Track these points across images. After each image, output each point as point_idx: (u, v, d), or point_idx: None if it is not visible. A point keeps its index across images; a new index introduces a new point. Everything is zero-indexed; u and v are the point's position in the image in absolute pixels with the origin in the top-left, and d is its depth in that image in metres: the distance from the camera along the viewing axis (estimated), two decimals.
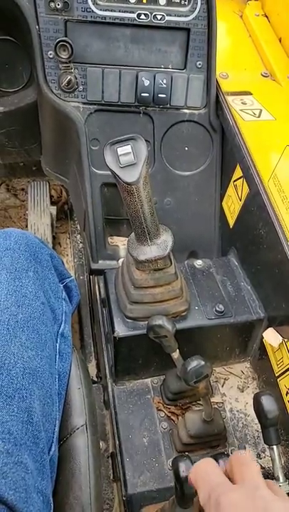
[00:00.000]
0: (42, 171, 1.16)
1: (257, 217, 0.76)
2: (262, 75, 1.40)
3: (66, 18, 0.79)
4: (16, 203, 1.44)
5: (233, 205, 0.89)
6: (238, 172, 0.85)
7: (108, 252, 0.97)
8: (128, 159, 0.60)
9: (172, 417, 0.78)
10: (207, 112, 0.90)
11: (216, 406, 0.80)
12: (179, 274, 0.74)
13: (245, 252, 0.86)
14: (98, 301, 0.97)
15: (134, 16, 0.80)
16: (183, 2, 0.81)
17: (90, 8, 0.79)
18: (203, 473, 0.40)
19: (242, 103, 1.18)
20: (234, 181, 0.88)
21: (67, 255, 1.34)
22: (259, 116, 1.13)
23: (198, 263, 0.86)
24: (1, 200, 1.45)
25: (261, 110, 1.15)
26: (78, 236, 1.38)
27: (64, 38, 0.80)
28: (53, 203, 1.38)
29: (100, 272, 0.93)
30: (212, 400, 0.79)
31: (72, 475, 0.58)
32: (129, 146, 0.61)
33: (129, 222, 0.67)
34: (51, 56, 0.82)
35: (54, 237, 1.34)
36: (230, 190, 0.90)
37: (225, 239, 0.96)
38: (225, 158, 0.93)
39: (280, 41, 1.48)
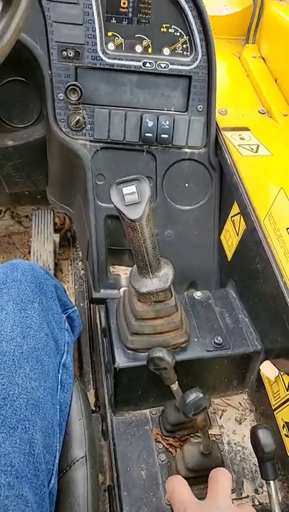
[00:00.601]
0: (46, 200, 1.20)
1: (254, 253, 0.79)
2: (259, 112, 1.47)
3: (77, 64, 0.85)
4: (20, 230, 1.48)
5: (230, 239, 0.93)
6: (235, 208, 0.89)
7: (110, 281, 1.00)
8: (133, 198, 0.64)
9: (170, 449, 0.79)
10: (207, 152, 0.95)
11: (213, 438, 0.81)
12: (179, 305, 0.76)
13: (242, 285, 0.89)
14: (98, 330, 0.99)
15: (140, 64, 0.86)
16: (185, 53, 0.87)
17: (100, 57, 0.84)
18: (176, 489, 0.46)
19: (240, 138, 1.24)
20: (232, 217, 0.92)
21: (68, 282, 1.37)
22: (256, 152, 1.18)
23: (198, 294, 0.89)
24: (5, 227, 1.49)
25: (258, 146, 1.20)
26: (80, 263, 1.41)
27: (74, 83, 0.85)
28: (56, 230, 1.42)
29: (101, 301, 0.95)
30: (210, 431, 0.80)
31: (71, 509, 0.58)
32: (134, 186, 0.65)
33: (130, 252, 0.70)
34: (61, 98, 0.87)
35: (56, 264, 1.37)
36: (228, 224, 0.94)
37: (223, 271, 0.99)
38: (223, 194, 0.97)
39: (275, 81, 1.55)
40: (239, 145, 1.19)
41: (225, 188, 0.96)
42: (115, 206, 0.64)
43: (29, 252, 1.34)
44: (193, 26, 0.85)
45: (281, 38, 1.54)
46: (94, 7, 0.82)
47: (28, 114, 1.03)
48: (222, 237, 0.97)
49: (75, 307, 0.79)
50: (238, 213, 0.87)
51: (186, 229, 0.98)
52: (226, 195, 0.95)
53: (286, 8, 1.63)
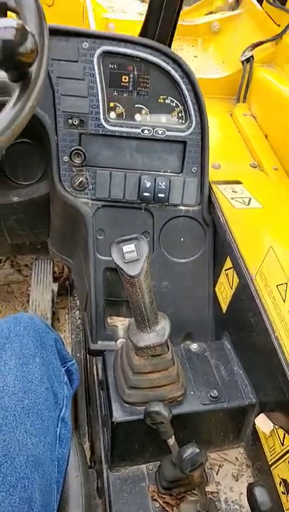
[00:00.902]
0: (46, 249, 1.24)
1: (247, 306, 0.83)
2: (251, 165, 1.56)
3: (81, 131, 0.92)
4: (19, 279, 1.51)
5: (225, 291, 0.96)
6: (228, 263, 0.93)
7: (107, 332, 1.02)
8: (132, 256, 0.69)
9: (167, 508, 0.78)
10: (201, 209, 1.01)
11: (210, 496, 0.80)
12: (175, 359, 0.78)
13: (237, 337, 0.91)
14: (95, 382, 1.00)
15: (139, 131, 0.94)
16: (180, 121, 0.96)
17: (102, 125, 0.92)
18: None
19: (233, 191, 1.31)
20: (225, 270, 0.96)
21: (65, 331, 1.38)
22: (248, 204, 1.25)
23: (194, 347, 0.91)
24: (4, 276, 1.52)
25: (250, 198, 1.27)
26: (77, 312, 1.43)
27: (78, 147, 0.92)
28: (55, 279, 1.45)
29: (99, 353, 0.97)
30: (207, 488, 0.79)
31: None
32: (133, 244, 0.70)
33: (128, 303, 0.73)
34: (66, 161, 0.94)
35: (53, 313, 1.39)
36: (223, 277, 0.98)
37: (218, 322, 1.02)
38: (217, 248, 1.02)
39: (266, 137, 1.66)
40: (232, 198, 1.26)
41: (218, 243, 1.01)
42: (115, 263, 0.69)
43: (28, 301, 1.36)
44: (188, 98, 0.94)
45: (269, 98, 1.67)
46: (98, 82, 0.90)
47: (33, 173, 1.09)
48: (217, 289, 1.01)
49: (74, 360, 0.81)
50: (231, 267, 0.91)
51: (181, 281, 1.02)
52: (220, 249, 1.00)
53: (272, 72, 1.78)
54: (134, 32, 2.25)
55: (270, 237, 0.96)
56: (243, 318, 0.85)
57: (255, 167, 1.55)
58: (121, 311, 1.06)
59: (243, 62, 1.79)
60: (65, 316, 1.43)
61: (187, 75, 0.92)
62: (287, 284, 0.72)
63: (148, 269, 0.69)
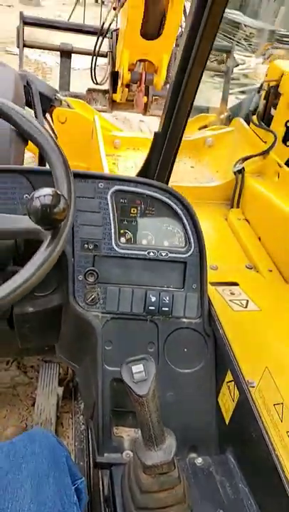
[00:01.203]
0: (53, 350, 1.30)
1: (248, 421, 0.87)
2: (246, 267, 1.68)
3: (95, 254, 1.05)
4: (25, 381, 1.54)
5: (227, 403, 1.01)
6: (229, 375, 0.99)
7: (113, 443, 1.04)
8: (140, 376, 0.76)
9: None
10: (202, 322, 1.09)
11: None
12: (182, 477, 0.81)
13: (241, 451, 0.94)
14: (101, 497, 0.99)
15: (145, 253, 1.07)
16: (181, 245, 1.09)
17: (114, 248, 1.05)
18: None
19: (230, 293, 1.40)
20: (227, 382, 1.01)
21: (68, 437, 1.38)
22: (246, 307, 1.34)
23: (199, 461, 0.93)
24: (11, 378, 1.55)
25: (248, 301, 1.36)
26: (81, 417, 1.44)
27: (92, 268, 1.04)
28: (60, 381, 1.48)
29: (104, 466, 0.98)
30: None
31: None
32: (142, 364, 0.77)
33: (134, 413, 0.78)
34: (80, 279, 1.05)
35: (57, 417, 1.40)
36: (225, 389, 1.03)
37: (222, 434, 1.05)
38: (218, 360, 1.09)
39: (259, 240, 1.81)
40: (230, 300, 1.35)
41: (219, 353, 1.08)
42: (125, 383, 0.75)
43: (33, 405, 1.38)
44: (187, 226, 1.09)
45: (260, 205, 1.86)
46: (110, 214, 1.05)
47: (48, 285, 1.20)
48: (219, 400, 1.05)
49: (83, 478, 0.83)
50: (232, 380, 0.97)
51: (185, 391, 1.07)
52: (221, 360, 1.07)
53: (262, 182, 1.99)
54: (135, 146, 2.55)
55: (268, 352, 1.03)
56: (245, 432, 0.89)
57: (250, 268, 1.68)
58: (127, 421, 1.09)
59: (235, 172, 2.02)
60: (68, 420, 1.43)
61: (186, 208, 1.08)
62: (283, 404, 0.78)
63: (155, 388, 0.75)
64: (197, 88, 1.10)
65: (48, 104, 2.45)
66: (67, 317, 1.16)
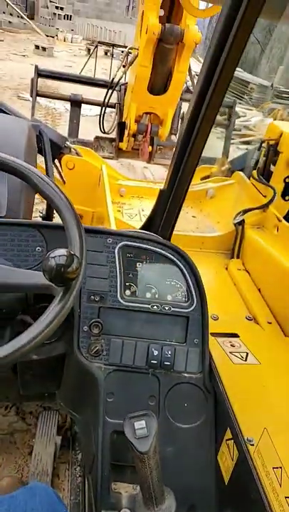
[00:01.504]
0: (53, 397, 1.30)
1: (247, 483, 0.87)
2: (246, 318, 1.71)
3: (100, 305, 1.09)
4: (23, 427, 1.53)
5: (226, 462, 1.01)
6: (229, 433, 1.00)
7: (111, 499, 1.02)
8: (142, 432, 0.78)
9: None
10: (202, 377, 1.11)
11: None
12: None
13: None
14: None
15: (149, 306, 1.10)
16: (183, 299, 1.13)
17: (119, 301, 1.09)
18: None
19: (231, 345, 1.42)
20: (227, 440, 1.02)
21: (64, 490, 1.36)
22: (246, 360, 1.35)
23: None
24: (8, 424, 1.54)
25: (248, 354, 1.37)
26: (78, 468, 1.42)
27: (97, 319, 1.07)
28: (58, 429, 1.47)
29: None
30: None
31: None
32: (144, 421, 0.79)
33: (133, 468, 0.79)
34: (85, 330, 1.08)
35: (54, 467, 1.38)
36: (224, 447, 1.03)
37: (221, 494, 1.04)
38: (218, 416, 1.09)
39: (259, 291, 1.85)
40: (230, 352, 1.37)
41: (219, 410, 1.09)
42: (127, 438, 0.77)
43: (30, 453, 1.37)
44: (190, 282, 1.13)
45: (260, 257, 1.91)
46: (117, 267, 1.10)
47: (53, 334, 1.22)
48: (219, 458, 1.05)
49: None
50: (231, 439, 0.98)
51: (185, 447, 1.07)
52: (221, 416, 1.08)
53: (262, 234, 2.05)
54: (140, 194, 2.64)
55: (267, 409, 1.04)
56: (244, 495, 0.88)
57: (250, 320, 1.70)
58: (126, 477, 1.08)
59: (235, 224, 2.09)
60: (65, 472, 1.41)
61: (189, 264, 1.13)
62: (282, 468, 0.79)
63: (156, 444, 0.77)
64: (202, 149, 1.17)
65: (57, 151, 2.58)
66: (69, 366, 1.18)
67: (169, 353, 1.09)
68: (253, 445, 0.92)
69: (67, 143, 2.68)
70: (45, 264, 0.77)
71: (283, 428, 0.96)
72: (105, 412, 1.07)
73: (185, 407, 1.10)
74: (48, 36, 14.60)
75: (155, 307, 1.11)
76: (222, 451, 1.04)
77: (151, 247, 1.12)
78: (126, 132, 2.98)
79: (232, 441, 0.97)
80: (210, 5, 1.84)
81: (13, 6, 14.63)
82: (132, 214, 2.33)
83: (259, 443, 0.88)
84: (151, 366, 1.09)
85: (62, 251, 0.76)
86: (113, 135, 3.25)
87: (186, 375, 1.11)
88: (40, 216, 1.87)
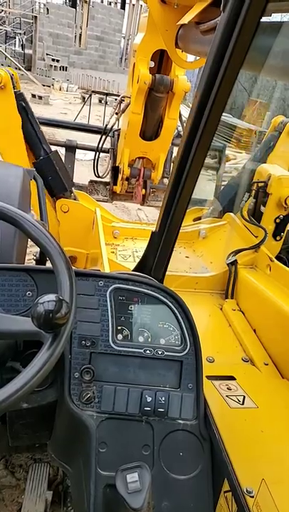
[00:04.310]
0: (44, 448, 1.24)
1: None
2: (242, 360, 1.68)
3: (92, 351, 1.07)
4: (12, 483, 1.45)
5: None
6: (226, 485, 0.96)
7: None
8: (135, 486, 0.74)
9: None
10: (198, 424, 1.07)
11: None
12: None
13: None
14: None
15: (142, 350, 1.08)
16: (177, 343, 1.11)
17: (110, 345, 1.07)
18: None
19: (227, 388, 1.39)
20: (225, 492, 0.97)
21: None
22: (243, 404, 1.31)
23: None
24: None
25: (244, 397, 1.33)
26: None
27: (88, 366, 1.05)
28: (49, 484, 1.39)
29: None
30: None
31: None
32: (136, 473, 0.76)
33: None
34: (76, 377, 1.05)
35: None
36: (222, 499, 0.98)
37: None
38: (215, 465, 1.05)
39: (254, 331, 1.83)
40: (227, 396, 1.33)
41: (216, 459, 1.05)
42: (120, 494, 0.73)
43: (18, 511, 1.29)
44: (183, 325, 1.12)
45: (254, 297, 1.91)
46: (109, 311, 1.09)
47: (44, 381, 1.19)
48: None
49: None
50: (229, 491, 0.93)
51: (181, 500, 1.02)
52: (218, 466, 1.03)
53: (255, 274, 2.06)
54: (134, 235, 2.67)
55: (265, 457, 1.00)
56: None
57: (247, 361, 1.67)
58: None
59: (228, 264, 2.10)
60: None
61: (182, 307, 1.12)
62: None
63: (150, 499, 0.73)
64: (192, 191, 1.20)
65: (61, 192, 2.63)
66: (61, 414, 1.14)
67: (163, 399, 1.06)
68: (252, 497, 0.87)
69: (74, 189, 2.74)
70: (34, 310, 0.76)
71: (281, 477, 0.92)
72: (97, 464, 1.02)
73: (180, 457, 1.05)
74: (44, 86, 15.31)
75: (148, 351, 1.09)
76: (220, 504, 0.99)
77: (144, 290, 1.12)
78: (120, 176, 3.06)
79: (230, 493, 0.93)
80: (197, 57, 1.95)
81: (11, 59, 15.43)
82: (125, 255, 2.34)
83: (258, 495, 0.84)
84: (145, 413, 1.05)
85: (52, 296, 0.75)
86: (107, 179, 3.33)
87: (180, 421, 1.07)
88: (34, 259, 1.87)
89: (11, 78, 2.22)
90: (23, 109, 2.35)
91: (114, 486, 0.99)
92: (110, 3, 25.57)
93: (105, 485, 1.01)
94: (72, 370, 1.05)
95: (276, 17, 0.96)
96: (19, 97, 2.31)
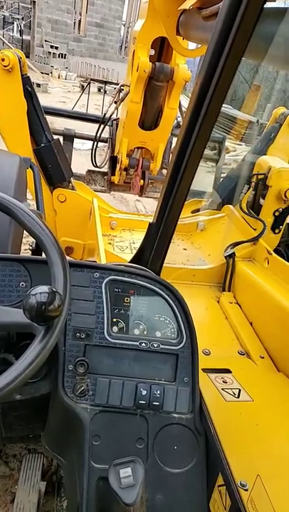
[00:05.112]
0: (38, 439, 1.23)
1: None
2: (239, 353, 1.67)
3: (86, 343, 1.05)
4: (6, 473, 1.45)
5: (219, 510, 0.95)
6: (221, 479, 0.95)
7: None
8: (128, 481, 0.73)
9: None
10: (193, 418, 1.07)
11: None
12: None
13: None
14: None
15: (137, 343, 1.07)
16: (173, 336, 1.10)
17: (105, 337, 1.06)
18: None
19: (223, 381, 1.38)
20: (219, 486, 0.97)
21: None
22: (238, 397, 1.31)
23: None
24: None
25: (240, 390, 1.33)
26: None
27: (83, 358, 1.04)
28: (43, 474, 1.39)
29: None
30: None
31: None
32: (130, 468, 0.75)
33: None
34: (71, 369, 1.04)
35: None
36: (216, 494, 0.98)
37: None
38: (209, 459, 1.04)
39: (251, 324, 1.82)
40: (222, 389, 1.33)
41: (211, 454, 1.04)
42: (112, 489, 0.72)
43: (12, 501, 1.29)
44: (179, 317, 1.10)
45: (251, 290, 1.89)
46: (104, 303, 1.08)
47: (38, 373, 1.17)
48: (211, 506, 0.99)
49: None
50: (224, 485, 0.93)
51: (175, 494, 1.01)
52: (212, 461, 1.03)
53: (253, 266, 2.05)
54: (131, 226, 2.65)
55: (260, 452, 1.00)
56: None
57: (243, 354, 1.67)
58: None
59: (226, 257, 2.09)
60: None
61: (178, 299, 1.11)
62: None
63: (143, 494, 0.72)
64: (191, 182, 1.18)
65: (60, 181, 2.60)
66: (54, 406, 1.13)
67: (158, 392, 1.05)
68: (246, 490, 0.87)
69: (72, 179, 2.71)
70: (26, 302, 0.74)
71: (276, 472, 0.92)
72: (91, 457, 1.01)
73: (175, 450, 1.04)
74: (42, 73, 15.10)
75: (143, 344, 1.07)
76: (214, 499, 0.98)
77: (140, 282, 1.10)
78: (118, 166, 3.03)
79: (224, 487, 0.92)
80: (198, 45, 1.91)
81: (9, 44, 15.20)
82: (122, 247, 2.32)
83: (252, 490, 0.83)
84: (140, 407, 1.04)
85: (44, 288, 0.74)
86: (105, 169, 3.29)
87: (175, 415, 1.06)
88: (30, 249, 1.85)
89: (19, 61, 2.17)
90: (29, 94, 2.30)
91: (107, 479, 0.99)
92: None
93: (98, 478, 1.00)
94: (66, 362, 1.04)
95: (280, 3, 0.93)
96: (26, 81, 2.25)
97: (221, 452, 0.95)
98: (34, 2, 17.85)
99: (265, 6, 0.78)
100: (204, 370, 1.37)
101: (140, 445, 1.03)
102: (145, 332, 1.10)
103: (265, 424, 1.15)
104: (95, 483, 0.99)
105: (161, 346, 1.08)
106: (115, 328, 1.08)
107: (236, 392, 1.32)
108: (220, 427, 1.03)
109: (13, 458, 1.49)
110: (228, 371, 1.45)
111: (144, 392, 1.04)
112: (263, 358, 1.62)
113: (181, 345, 1.09)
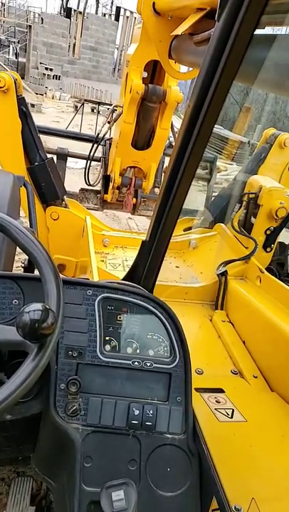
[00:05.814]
0: (27, 461, 1.20)
1: None
2: (232, 372, 1.66)
3: (79, 362, 1.04)
4: None
5: None
6: (215, 503, 0.93)
7: None
8: (120, 505, 0.71)
9: None
10: (186, 438, 1.05)
11: None
12: None
13: None
14: None
15: (130, 362, 1.06)
16: (166, 354, 1.09)
17: (98, 356, 1.05)
18: None
19: (216, 401, 1.36)
20: (213, 510, 0.95)
21: None
22: (232, 417, 1.29)
23: None
24: None
25: (233, 410, 1.31)
26: None
27: (75, 377, 1.02)
28: (32, 499, 1.35)
29: None
30: None
31: None
32: (122, 491, 0.73)
33: None
34: (62, 388, 1.02)
35: None
36: None
37: None
38: (203, 481, 1.02)
39: (244, 343, 1.81)
40: (216, 409, 1.31)
41: (205, 476, 1.02)
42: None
43: None
44: (172, 336, 1.10)
45: (243, 309, 1.89)
46: (97, 320, 1.07)
47: (29, 392, 1.16)
48: None
49: None
50: (218, 509, 0.90)
51: None
52: (206, 483, 1.01)
53: (245, 285, 2.06)
54: (123, 244, 2.65)
55: (254, 474, 0.98)
56: None
57: (236, 374, 1.65)
58: None
59: (218, 275, 2.09)
60: None
61: (172, 318, 1.10)
62: None
63: None
64: (184, 201, 1.19)
65: (53, 199, 2.62)
66: (45, 426, 1.10)
67: (151, 412, 1.03)
68: None
69: (65, 197, 2.73)
70: (19, 320, 0.73)
71: (271, 495, 0.90)
72: (82, 480, 0.99)
73: (168, 472, 1.02)
74: (37, 94, 15.35)
75: (136, 363, 1.06)
76: None
77: (133, 300, 1.10)
78: (111, 185, 3.06)
79: (218, 511, 0.90)
80: (190, 68, 1.97)
81: (5, 66, 15.45)
82: (115, 264, 2.32)
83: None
84: (132, 427, 1.03)
85: (38, 305, 0.73)
86: (98, 187, 3.32)
87: (168, 436, 1.04)
88: (22, 266, 1.84)
89: (14, 82, 2.23)
90: (24, 114, 2.36)
91: (98, 503, 0.96)
92: (104, 15, 25.92)
93: (90, 502, 0.97)
94: (58, 381, 1.03)
95: (269, 30, 0.97)
96: (21, 102, 2.31)
97: (214, 474, 0.93)
98: (30, 26, 18.28)
99: (255, 32, 0.81)
100: (197, 389, 1.36)
101: (132, 467, 1.01)
102: (138, 351, 1.09)
103: (259, 445, 1.14)
104: (86, 507, 0.97)
105: (154, 365, 1.07)
106: (108, 347, 1.07)
107: (230, 412, 1.31)
108: (213, 448, 1.01)
109: (1, 481, 1.44)
110: (221, 391, 1.44)
111: (136, 412, 1.03)
112: (256, 377, 1.60)
113: (174, 363, 1.08)
